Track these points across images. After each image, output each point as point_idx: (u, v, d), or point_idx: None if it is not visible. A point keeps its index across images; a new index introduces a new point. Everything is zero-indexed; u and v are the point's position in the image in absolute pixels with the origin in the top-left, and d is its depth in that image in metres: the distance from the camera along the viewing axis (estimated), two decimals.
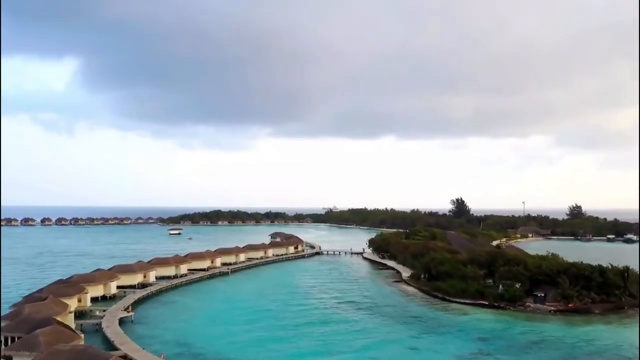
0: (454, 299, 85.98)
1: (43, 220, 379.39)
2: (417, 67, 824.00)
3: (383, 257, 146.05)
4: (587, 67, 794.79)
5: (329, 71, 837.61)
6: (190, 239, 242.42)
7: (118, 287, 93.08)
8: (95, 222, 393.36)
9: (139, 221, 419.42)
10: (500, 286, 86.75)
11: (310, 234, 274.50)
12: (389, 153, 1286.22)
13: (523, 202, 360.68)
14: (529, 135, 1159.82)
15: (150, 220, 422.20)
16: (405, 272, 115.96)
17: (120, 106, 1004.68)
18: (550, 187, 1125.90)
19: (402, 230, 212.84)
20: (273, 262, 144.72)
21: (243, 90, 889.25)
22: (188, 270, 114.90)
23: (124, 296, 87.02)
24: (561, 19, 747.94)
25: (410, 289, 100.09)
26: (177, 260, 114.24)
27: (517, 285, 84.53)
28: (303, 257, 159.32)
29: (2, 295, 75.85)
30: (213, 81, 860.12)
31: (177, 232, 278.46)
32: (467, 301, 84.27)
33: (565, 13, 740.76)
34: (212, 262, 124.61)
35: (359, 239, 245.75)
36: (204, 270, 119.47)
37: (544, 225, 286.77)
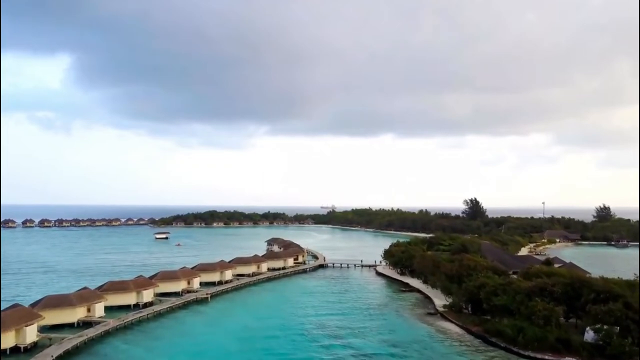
0: (525, 352, 58.90)
1: (24, 222, 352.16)
2: (416, 65, 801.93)
3: (403, 273, 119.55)
4: (587, 66, 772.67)
5: (327, 70, 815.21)
6: (178, 245, 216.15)
7: (49, 327, 67.17)
8: (82, 223, 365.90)
9: (129, 222, 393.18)
10: (589, 332, 60.12)
11: (312, 239, 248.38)
12: (388, 151, 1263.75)
13: (543, 203, 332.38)
14: (528, 133, 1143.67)
15: (142, 222, 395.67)
16: (437, 298, 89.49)
17: (117, 104, 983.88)
18: (550, 185, 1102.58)
19: (421, 235, 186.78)
20: (268, 279, 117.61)
21: (240, 88, 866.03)
22: (155, 295, 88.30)
23: (49, 344, 60.67)
24: (560, 18, 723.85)
25: (452, 327, 73.02)
26: (140, 283, 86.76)
27: (617, 332, 57.88)
28: (305, 271, 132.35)
29: None
30: (210, 79, 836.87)
31: (164, 236, 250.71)
32: (547, 357, 57.26)
33: (564, 12, 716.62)
34: (188, 283, 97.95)
35: (367, 244, 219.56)
36: (176, 294, 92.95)
37: (571, 228, 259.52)
